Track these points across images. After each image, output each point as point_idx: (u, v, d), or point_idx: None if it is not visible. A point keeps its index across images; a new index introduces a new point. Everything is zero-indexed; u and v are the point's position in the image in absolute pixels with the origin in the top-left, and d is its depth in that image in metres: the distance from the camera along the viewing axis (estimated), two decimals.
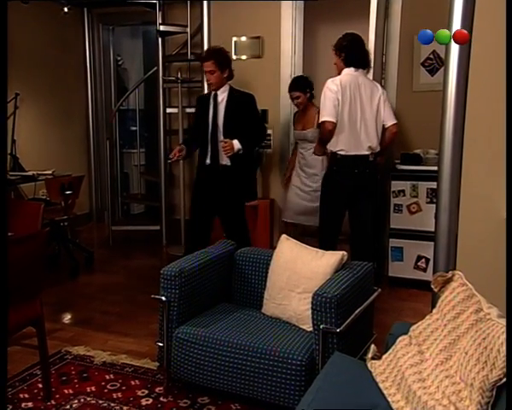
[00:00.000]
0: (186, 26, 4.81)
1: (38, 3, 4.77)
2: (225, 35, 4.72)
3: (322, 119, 3.32)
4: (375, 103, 3.45)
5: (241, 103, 3.54)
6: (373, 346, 1.87)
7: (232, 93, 3.54)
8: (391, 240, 4.00)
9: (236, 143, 3.45)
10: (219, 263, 2.70)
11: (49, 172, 4.50)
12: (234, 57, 4.75)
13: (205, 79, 3.87)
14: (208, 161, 3.54)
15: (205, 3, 4.66)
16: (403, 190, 3.92)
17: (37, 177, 4.45)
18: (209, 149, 3.53)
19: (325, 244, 3.26)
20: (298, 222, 4.21)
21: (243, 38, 4.75)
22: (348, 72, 3.40)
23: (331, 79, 3.37)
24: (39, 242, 2.26)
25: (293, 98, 4.11)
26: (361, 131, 3.40)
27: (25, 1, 4.45)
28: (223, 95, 3.53)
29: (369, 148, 3.43)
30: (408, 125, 4.12)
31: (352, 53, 3.40)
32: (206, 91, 3.91)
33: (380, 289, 2.58)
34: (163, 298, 2.43)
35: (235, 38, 4.76)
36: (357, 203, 3.51)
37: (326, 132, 3.34)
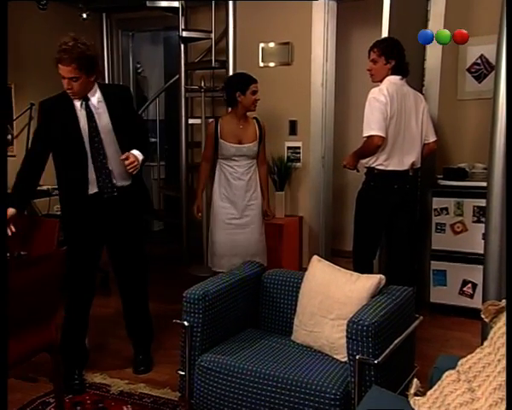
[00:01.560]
0: (210, 32, 4.87)
1: (56, 10, 4.92)
2: (252, 41, 4.78)
3: (369, 132, 3.25)
4: (419, 116, 3.44)
5: (123, 100, 2.95)
6: (416, 380, 1.83)
7: (106, 91, 2.89)
8: (432, 262, 3.94)
9: (138, 154, 2.87)
10: (246, 286, 2.70)
11: None
12: (261, 64, 4.81)
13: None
14: (95, 189, 2.86)
15: (230, 7, 4.73)
16: (446, 208, 3.86)
17: (52, 191, 4.53)
18: (94, 173, 2.84)
19: (361, 267, 3.23)
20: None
21: (271, 44, 4.79)
22: (393, 80, 3.37)
23: (377, 89, 3.32)
24: (56, 262, 2.30)
25: (255, 93, 3.61)
26: (404, 146, 3.38)
27: (42, 7, 4.58)
28: (95, 97, 2.84)
29: (412, 164, 3.41)
30: (451, 136, 4.07)
31: (402, 60, 3.37)
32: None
33: (421, 317, 2.54)
34: (185, 323, 2.44)
35: (262, 44, 4.80)
36: (395, 221, 3.48)
37: (373, 148, 3.29)
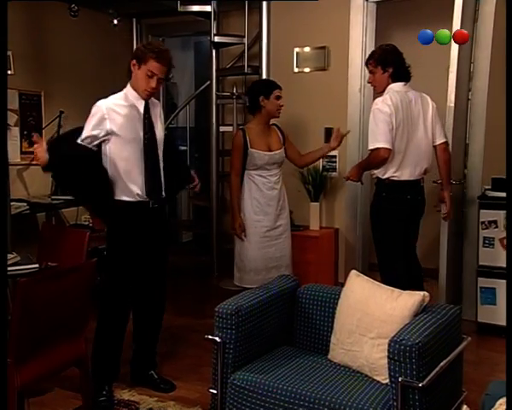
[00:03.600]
0: (243, 37, 4.91)
1: (87, 16, 5.05)
2: (286, 45, 4.80)
3: (375, 145, 3.28)
4: (428, 120, 3.45)
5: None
6: (466, 407, 1.79)
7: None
8: (479, 279, 3.85)
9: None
10: (280, 301, 2.69)
11: None
12: (296, 70, 4.82)
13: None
14: (141, 196, 2.92)
15: (264, 10, 4.76)
16: (495, 221, 3.78)
17: None
18: (144, 180, 2.92)
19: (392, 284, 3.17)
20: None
21: (306, 49, 4.79)
22: (397, 88, 3.40)
23: (380, 99, 3.35)
24: (86, 274, 2.34)
25: (279, 98, 3.68)
26: (414, 155, 3.38)
27: (73, 14, 4.71)
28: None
29: (424, 171, 3.44)
30: (501, 143, 3.97)
31: (401, 65, 3.40)
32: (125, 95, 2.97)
33: (469, 338, 2.48)
34: (217, 339, 2.44)
35: (297, 49, 4.81)
36: (406, 234, 3.48)
37: (379, 160, 3.32)
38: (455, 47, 3.61)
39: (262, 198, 3.64)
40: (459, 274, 4.06)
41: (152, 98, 2.98)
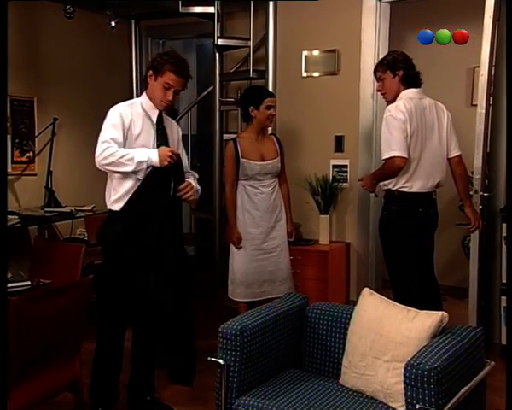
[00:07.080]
0: (248, 39, 4.92)
1: (84, 18, 5.08)
2: (294, 48, 4.82)
3: (390, 154, 3.28)
4: (443, 130, 3.45)
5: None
6: None
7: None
8: (503, 298, 3.83)
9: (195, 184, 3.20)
10: (288, 320, 2.70)
11: (89, 207, 4.69)
12: (304, 74, 4.84)
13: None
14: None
15: (270, 11, 4.78)
16: None
17: (76, 213, 4.64)
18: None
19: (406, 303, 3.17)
20: (258, 298, 3.65)
21: (315, 52, 4.81)
22: (411, 94, 3.40)
23: (394, 105, 3.36)
24: (82, 291, 2.34)
25: (270, 108, 3.70)
26: (427, 165, 3.38)
27: (69, 16, 4.74)
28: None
29: (437, 184, 3.44)
30: None
31: (411, 69, 3.41)
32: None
33: (493, 363, 2.47)
34: (221, 361, 2.44)
35: (305, 52, 4.82)
36: (422, 248, 3.47)
37: (395, 170, 3.31)
38: (486, 48, 3.61)
39: (254, 210, 3.71)
40: (482, 293, 4.03)
41: (167, 116, 3.10)
